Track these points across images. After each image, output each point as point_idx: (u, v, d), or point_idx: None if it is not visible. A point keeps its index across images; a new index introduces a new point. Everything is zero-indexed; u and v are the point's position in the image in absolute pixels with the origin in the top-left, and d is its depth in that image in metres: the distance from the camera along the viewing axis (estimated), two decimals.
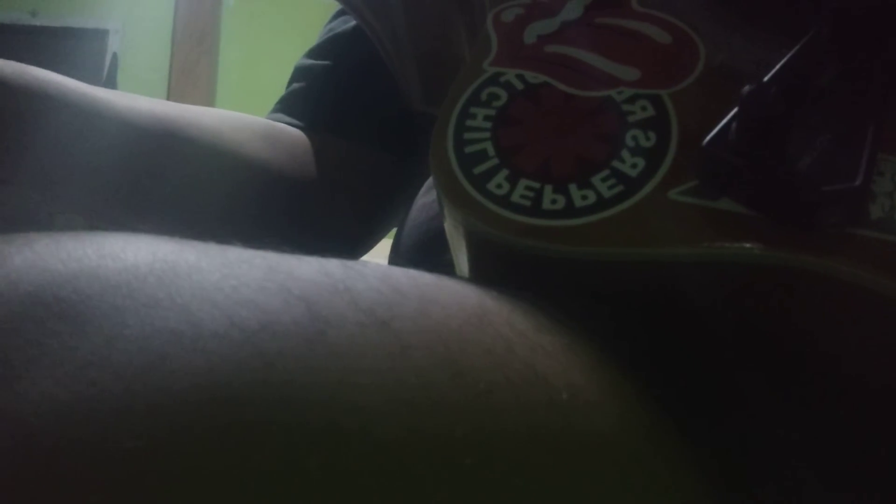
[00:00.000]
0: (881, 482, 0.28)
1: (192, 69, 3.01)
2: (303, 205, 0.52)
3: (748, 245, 0.26)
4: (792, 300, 0.27)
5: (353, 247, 0.56)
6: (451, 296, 0.22)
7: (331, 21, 0.60)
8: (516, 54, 0.33)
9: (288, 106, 0.56)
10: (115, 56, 3.10)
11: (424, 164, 0.57)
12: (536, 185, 0.29)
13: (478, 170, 0.29)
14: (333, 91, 0.56)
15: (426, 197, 0.52)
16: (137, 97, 0.45)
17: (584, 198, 0.28)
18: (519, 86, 0.32)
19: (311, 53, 0.58)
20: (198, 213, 0.47)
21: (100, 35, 3.15)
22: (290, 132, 0.54)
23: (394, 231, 0.59)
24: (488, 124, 0.30)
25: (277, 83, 0.61)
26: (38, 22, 3.05)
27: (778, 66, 0.29)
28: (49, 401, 0.15)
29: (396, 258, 0.53)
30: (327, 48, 0.58)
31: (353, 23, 0.57)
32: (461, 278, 0.29)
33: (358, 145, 0.55)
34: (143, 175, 0.44)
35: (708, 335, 0.28)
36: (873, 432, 0.28)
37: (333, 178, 0.54)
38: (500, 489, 0.18)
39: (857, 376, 0.28)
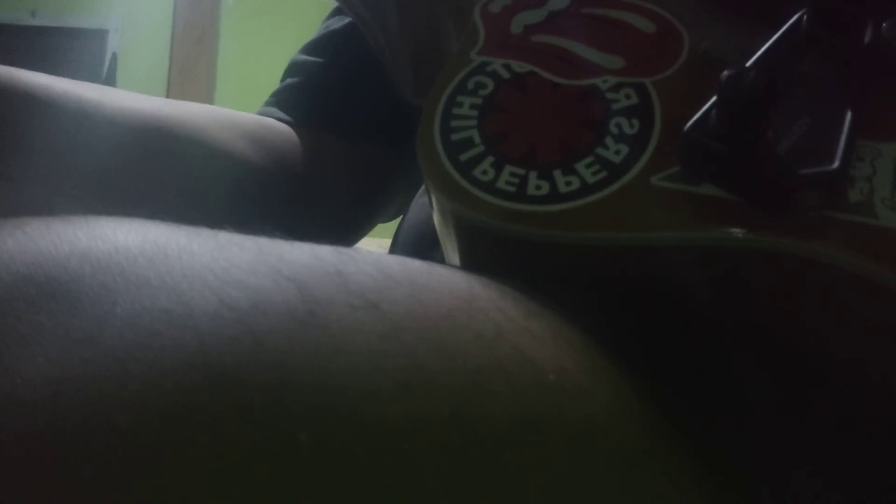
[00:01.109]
0: (879, 480, 0.28)
1: (191, 68, 3.02)
2: (289, 204, 0.52)
3: (730, 229, 0.27)
4: (774, 284, 0.28)
5: (340, 242, 0.56)
6: (441, 281, 0.22)
7: (328, 18, 0.60)
8: (503, 44, 0.33)
9: (281, 101, 0.57)
10: (114, 56, 3.10)
11: (414, 162, 0.58)
12: (521, 171, 0.29)
13: (464, 157, 0.30)
14: (327, 89, 0.56)
15: (424, 196, 0.52)
16: (127, 95, 0.46)
17: (569, 184, 0.29)
18: (505, 75, 0.32)
19: (306, 49, 0.59)
20: (185, 213, 0.47)
21: (99, 35, 3.15)
22: (281, 130, 0.54)
23: (394, 231, 0.59)
24: (475, 112, 0.31)
25: (276, 82, 0.61)
26: (37, 22, 3.05)
27: (758, 53, 0.29)
28: (42, 378, 0.15)
29: (394, 254, 0.53)
30: (322, 45, 0.58)
31: (347, 20, 0.57)
32: (452, 266, 0.29)
33: (348, 144, 0.55)
34: (130, 176, 0.44)
35: (693, 320, 0.29)
36: (868, 425, 0.28)
37: (322, 176, 0.54)
38: (488, 468, 0.18)
39: (844, 361, 0.28)
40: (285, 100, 0.56)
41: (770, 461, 0.28)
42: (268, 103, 0.57)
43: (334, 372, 0.17)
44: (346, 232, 0.57)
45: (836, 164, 0.27)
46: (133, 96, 0.46)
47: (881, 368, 0.27)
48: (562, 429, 0.20)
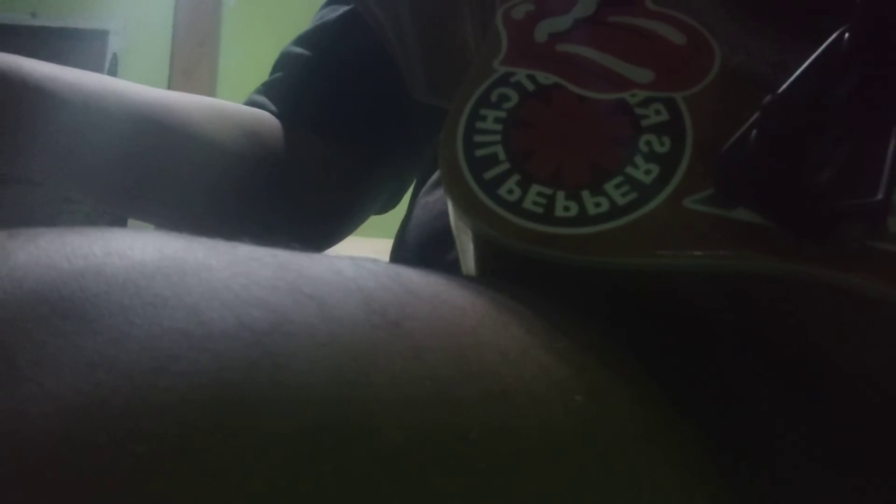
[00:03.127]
0: (883, 483, 0.28)
1: (192, 69, 3.01)
2: (271, 197, 0.52)
3: (765, 256, 0.26)
4: (807, 314, 0.27)
5: (322, 239, 0.56)
6: (463, 296, 0.22)
7: (323, 7, 0.59)
8: (527, 53, 0.32)
9: (270, 93, 0.56)
10: (115, 56, 3.10)
11: (402, 162, 0.57)
12: (549, 191, 0.28)
13: (489, 174, 0.28)
14: (314, 87, 0.56)
15: (429, 196, 0.51)
16: (126, 86, 0.46)
17: (598, 205, 0.27)
18: (530, 87, 0.31)
19: (299, 41, 0.58)
20: (174, 203, 0.47)
21: (100, 35, 3.15)
22: (270, 123, 0.53)
23: (394, 231, 0.58)
24: (499, 126, 0.30)
25: None
26: (38, 22, 3.05)
27: (797, 73, 0.28)
28: (55, 402, 0.15)
29: (399, 257, 0.53)
30: (313, 38, 0.57)
31: (342, 10, 0.56)
32: (472, 278, 0.28)
33: (332, 142, 0.54)
34: (126, 168, 0.45)
35: (718, 342, 0.28)
36: (882, 440, 0.28)
37: (306, 172, 0.53)
38: (514, 493, 0.17)
39: (873, 391, 0.27)
40: (274, 93, 0.56)
41: (775, 460, 0.28)
42: (258, 92, 0.57)
43: (356, 398, 0.17)
44: (327, 226, 0.56)
45: (880, 196, 0.26)
46: (132, 87, 0.46)
47: None
48: (590, 452, 0.20)
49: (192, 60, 3.03)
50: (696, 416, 0.25)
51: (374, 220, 0.64)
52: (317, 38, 0.57)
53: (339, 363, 0.17)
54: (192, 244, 0.19)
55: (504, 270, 0.29)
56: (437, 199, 0.50)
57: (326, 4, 0.59)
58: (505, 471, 0.18)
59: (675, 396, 0.24)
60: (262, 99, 0.55)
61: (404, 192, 0.61)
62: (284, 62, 0.57)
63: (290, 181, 0.52)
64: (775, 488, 0.28)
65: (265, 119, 0.53)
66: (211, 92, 3.03)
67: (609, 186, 0.28)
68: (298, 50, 0.57)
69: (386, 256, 0.55)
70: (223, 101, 0.51)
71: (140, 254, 0.18)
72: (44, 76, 0.41)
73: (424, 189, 0.53)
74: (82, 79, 0.43)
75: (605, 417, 0.21)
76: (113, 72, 3.04)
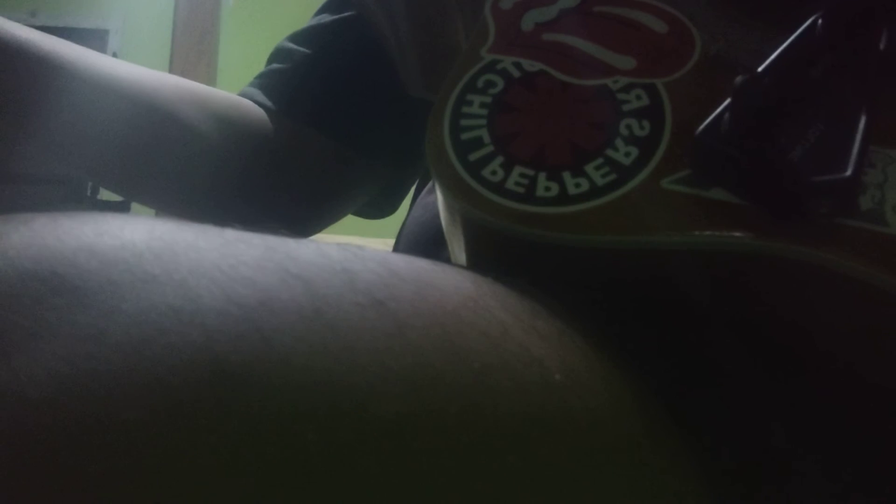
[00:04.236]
0: (880, 480, 0.28)
1: (191, 69, 3.01)
2: (246, 187, 0.52)
3: (739, 234, 0.27)
4: (781, 290, 0.28)
5: (298, 229, 0.56)
6: (447, 279, 0.22)
7: (318, 13, 0.59)
8: (513, 42, 0.33)
9: (265, 85, 0.56)
10: (115, 55, 3.10)
11: (393, 157, 0.57)
12: (531, 172, 0.29)
13: (473, 157, 0.29)
14: (312, 82, 0.56)
15: (429, 196, 0.52)
16: (124, 67, 0.46)
17: (578, 185, 0.28)
18: (515, 73, 0.32)
19: (294, 38, 0.58)
20: (168, 185, 0.48)
21: (100, 35, 3.14)
22: (255, 113, 0.53)
23: (395, 232, 0.59)
24: (484, 111, 0.31)
25: None
26: (38, 22, 3.05)
27: (772, 57, 0.29)
28: (47, 374, 0.15)
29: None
30: (311, 36, 0.58)
31: (337, 16, 0.57)
32: (458, 265, 0.29)
33: (322, 138, 0.55)
34: (125, 145, 0.45)
35: (698, 323, 0.28)
36: (868, 428, 0.28)
37: (289, 165, 0.54)
38: (495, 466, 0.18)
39: (850, 367, 0.28)
40: (269, 84, 0.56)
41: (768, 452, 0.28)
42: (252, 84, 0.57)
43: (341, 371, 0.17)
44: (306, 213, 0.56)
45: (848, 172, 0.27)
46: (124, 66, 0.46)
47: (875, 368, 0.27)
48: (567, 427, 0.20)
49: (191, 59, 3.03)
50: (675, 398, 0.25)
51: (375, 221, 0.65)
52: (314, 36, 0.57)
53: (324, 339, 0.17)
54: (182, 227, 0.20)
55: (491, 258, 0.30)
56: (436, 199, 0.50)
57: (321, 11, 0.59)
58: (484, 446, 0.18)
59: (654, 379, 0.25)
60: (254, 92, 0.55)
61: (403, 195, 0.61)
62: (281, 56, 0.57)
63: (270, 169, 0.53)
64: (757, 473, 0.28)
65: (248, 108, 0.53)
66: None
67: (589, 168, 0.29)
68: (293, 46, 0.57)
69: None
70: (199, 85, 0.51)
71: (131, 234, 0.19)
72: (50, 48, 0.41)
73: (425, 190, 0.53)
74: (84, 54, 0.43)
75: (582, 396, 0.21)
76: None
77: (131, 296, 0.17)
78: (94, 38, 3.13)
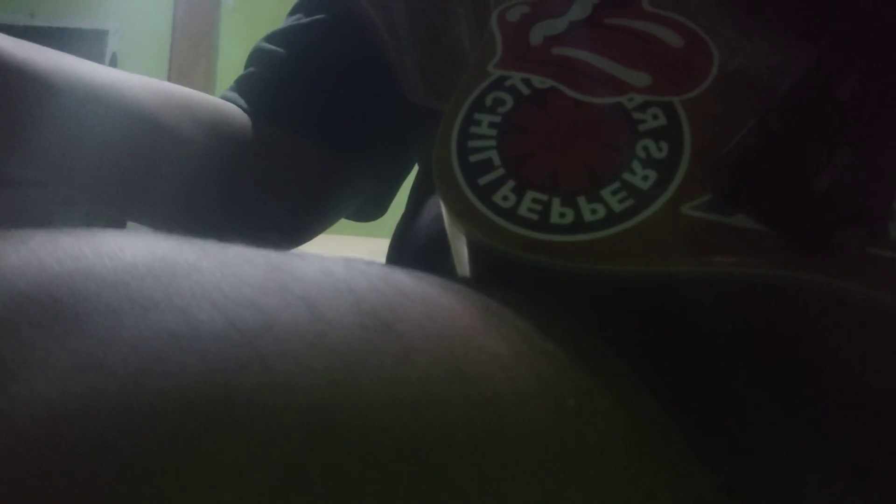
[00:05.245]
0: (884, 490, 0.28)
1: (190, 70, 3.01)
2: (239, 194, 0.51)
3: (764, 263, 0.26)
4: (806, 320, 0.27)
5: (288, 238, 0.55)
6: (455, 299, 0.21)
7: (292, 13, 0.57)
8: (522, 56, 0.31)
9: (242, 89, 0.55)
10: (114, 56, 3.09)
11: (383, 163, 0.56)
12: (544, 197, 0.27)
13: (483, 180, 0.28)
14: (289, 84, 0.54)
15: (430, 198, 0.51)
16: (102, 72, 0.45)
17: (594, 212, 0.27)
18: (525, 91, 0.30)
19: (270, 38, 0.56)
20: (165, 200, 0.47)
21: (99, 35, 3.14)
22: (238, 117, 0.52)
23: (391, 231, 0.57)
24: (493, 131, 0.29)
25: None
26: (37, 22, 3.04)
27: (796, 78, 0.28)
28: (44, 403, 0.15)
29: (398, 258, 0.52)
30: (288, 37, 0.56)
31: (315, 17, 0.55)
32: (465, 280, 0.28)
33: (311, 140, 0.53)
34: (123, 163, 0.44)
35: (714, 349, 0.28)
36: (881, 447, 0.28)
37: (272, 170, 0.52)
38: (503, 496, 0.17)
39: (871, 397, 0.27)
40: (247, 88, 0.54)
41: (775, 474, 0.28)
42: (231, 89, 0.55)
43: (344, 398, 0.16)
44: (295, 223, 0.55)
45: (879, 201, 0.25)
46: (101, 70, 0.45)
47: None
48: (580, 455, 0.20)
49: (190, 60, 3.02)
50: (688, 421, 0.25)
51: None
52: (291, 37, 0.55)
53: (328, 364, 0.17)
54: (183, 245, 0.19)
55: (498, 274, 0.29)
56: (440, 206, 0.49)
57: (295, 11, 0.57)
58: (493, 473, 0.17)
59: (666, 402, 0.24)
60: (234, 96, 0.54)
61: (391, 198, 0.60)
62: (257, 58, 0.56)
63: (251, 176, 0.51)
64: (764, 492, 0.28)
65: (230, 112, 0.52)
66: (209, 92, 3.02)
67: (606, 193, 0.27)
68: (271, 47, 0.55)
69: (382, 257, 0.55)
70: (183, 89, 0.50)
71: (131, 255, 0.18)
72: (44, 66, 0.40)
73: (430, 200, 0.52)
74: (60, 61, 0.42)
75: (595, 421, 0.21)
76: None
77: (130, 322, 0.16)
78: (92, 39, 3.12)
